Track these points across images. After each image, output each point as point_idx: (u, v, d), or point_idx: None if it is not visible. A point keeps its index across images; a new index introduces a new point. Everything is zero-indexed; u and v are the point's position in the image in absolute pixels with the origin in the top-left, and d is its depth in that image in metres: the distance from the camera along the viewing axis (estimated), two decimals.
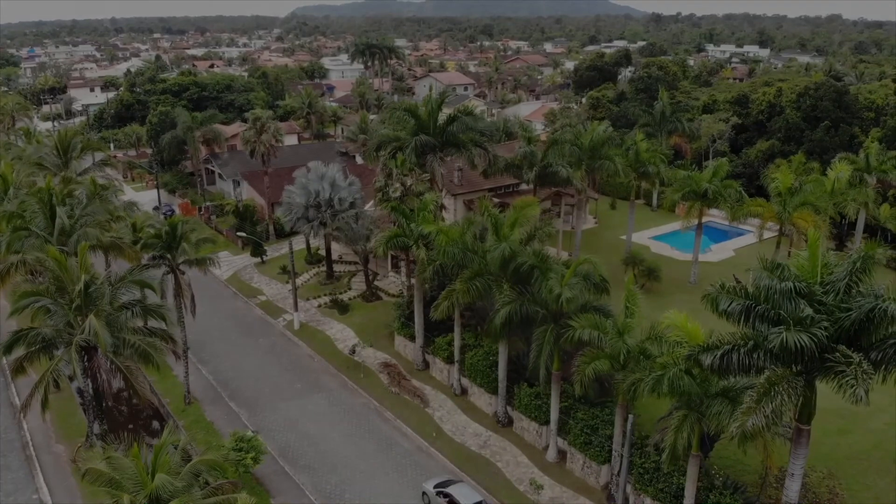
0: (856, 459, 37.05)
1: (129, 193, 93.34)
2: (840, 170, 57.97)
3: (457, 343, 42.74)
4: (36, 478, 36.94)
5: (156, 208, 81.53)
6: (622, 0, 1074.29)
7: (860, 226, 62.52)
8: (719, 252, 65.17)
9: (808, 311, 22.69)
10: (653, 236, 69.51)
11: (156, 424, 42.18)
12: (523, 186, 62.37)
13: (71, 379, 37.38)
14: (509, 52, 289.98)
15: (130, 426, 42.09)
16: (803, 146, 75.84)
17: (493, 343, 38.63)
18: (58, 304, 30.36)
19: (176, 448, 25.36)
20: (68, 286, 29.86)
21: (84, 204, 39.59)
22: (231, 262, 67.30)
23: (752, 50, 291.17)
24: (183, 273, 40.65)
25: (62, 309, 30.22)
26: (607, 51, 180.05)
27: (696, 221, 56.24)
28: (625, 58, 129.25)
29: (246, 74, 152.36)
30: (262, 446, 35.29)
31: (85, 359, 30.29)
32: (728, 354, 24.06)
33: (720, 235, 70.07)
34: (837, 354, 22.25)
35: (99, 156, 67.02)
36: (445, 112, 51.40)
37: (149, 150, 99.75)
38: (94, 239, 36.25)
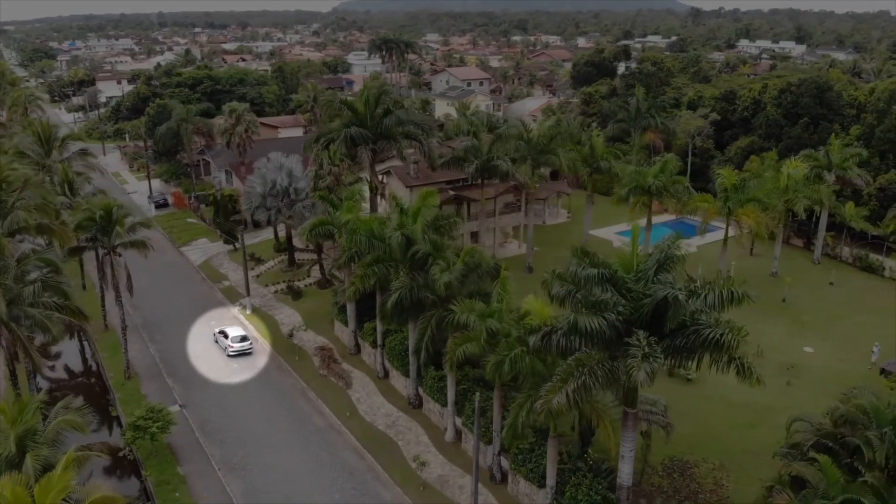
0: (755, 454, 37.56)
1: (132, 183, 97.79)
2: (794, 167, 57.80)
3: (379, 328, 44.48)
4: None
5: (149, 197, 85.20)
6: None
7: (822, 223, 62.24)
8: (683, 248, 65.32)
9: (608, 296, 23.85)
10: (618, 231, 70.07)
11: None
12: None
13: None
14: (538, 47, 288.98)
15: (103, 400, 45.47)
16: (782, 143, 75.40)
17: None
18: None
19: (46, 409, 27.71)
20: None
21: (19, 189, 42.58)
22: (206, 248, 70.20)
23: (787, 46, 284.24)
24: (119, 255, 43.19)
25: None
26: (638, 44, 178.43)
27: (644, 217, 56.81)
28: (623, 53, 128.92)
29: (270, 69, 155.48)
30: (171, 417, 37.64)
31: None
32: (548, 336, 25.39)
33: (692, 231, 70.07)
34: (633, 338, 23.38)
35: (77, 145, 70.45)
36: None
37: None
38: (22, 221, 39.18)
